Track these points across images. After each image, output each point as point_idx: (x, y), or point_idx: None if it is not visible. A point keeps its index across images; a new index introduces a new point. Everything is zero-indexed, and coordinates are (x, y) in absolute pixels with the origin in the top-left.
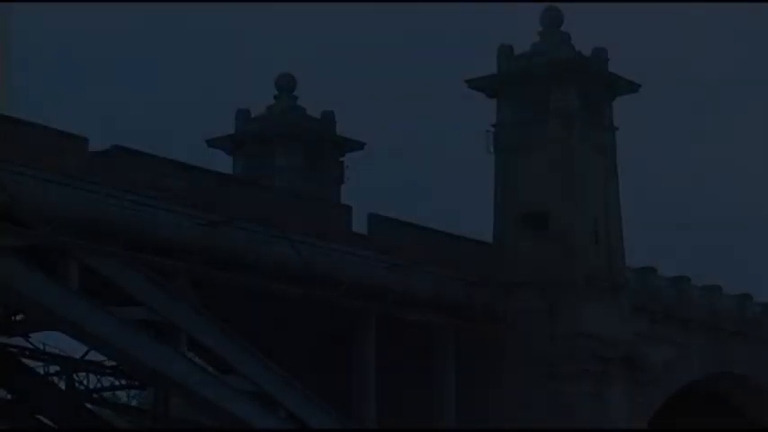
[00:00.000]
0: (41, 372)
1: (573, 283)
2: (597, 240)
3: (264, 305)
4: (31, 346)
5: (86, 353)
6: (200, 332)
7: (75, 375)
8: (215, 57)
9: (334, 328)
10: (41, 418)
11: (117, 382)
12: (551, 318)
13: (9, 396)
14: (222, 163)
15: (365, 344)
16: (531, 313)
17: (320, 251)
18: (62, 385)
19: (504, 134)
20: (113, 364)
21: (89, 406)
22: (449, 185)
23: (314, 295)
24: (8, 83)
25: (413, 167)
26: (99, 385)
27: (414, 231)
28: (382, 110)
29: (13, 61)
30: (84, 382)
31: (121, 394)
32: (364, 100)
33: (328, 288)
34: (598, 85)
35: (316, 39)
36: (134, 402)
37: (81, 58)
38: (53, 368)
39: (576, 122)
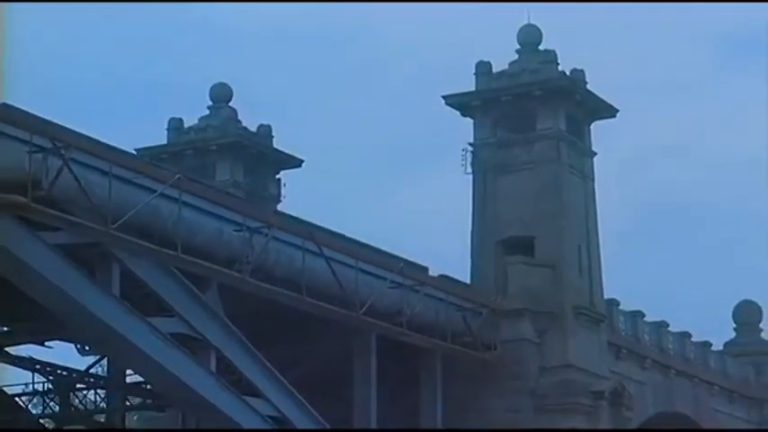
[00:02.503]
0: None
1: (562, 313)
2: (580, 269)
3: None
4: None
5: (92, 365)
6: (229, 350)
7: (73, 393)
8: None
9: (336, 347)
10: None
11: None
12: (541, 348)
13: None
14: None
15: (368, 364)
16: (522, 342)
17: (345, 270)
18: (54, 405)
19: (484, 154)
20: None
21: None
22: (414, 202)
23: (336, 313)
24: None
25: (363, 182)
26: (103, 405)
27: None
28: (332, 121)
29: None
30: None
31: None
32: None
33: (347, 307)
34: (581, 108)
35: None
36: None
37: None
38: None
39: (563, 145)
